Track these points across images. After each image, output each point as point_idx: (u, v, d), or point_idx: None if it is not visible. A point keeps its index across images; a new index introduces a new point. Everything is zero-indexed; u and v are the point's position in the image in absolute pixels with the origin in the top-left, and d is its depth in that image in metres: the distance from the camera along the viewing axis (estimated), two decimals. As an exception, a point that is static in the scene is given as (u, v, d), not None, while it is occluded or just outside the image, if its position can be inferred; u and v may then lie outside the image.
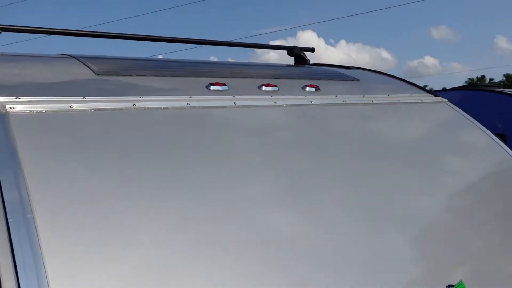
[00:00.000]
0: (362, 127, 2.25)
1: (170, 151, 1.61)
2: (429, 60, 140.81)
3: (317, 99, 2.26)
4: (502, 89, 5.00)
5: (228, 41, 3.77)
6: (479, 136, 2.57)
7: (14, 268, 1.06)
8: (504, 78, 56.21)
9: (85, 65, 2.03)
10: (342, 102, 2.34)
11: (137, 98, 1.76)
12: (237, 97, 2.02)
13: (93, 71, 1.94)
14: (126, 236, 1.27)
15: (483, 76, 57.59)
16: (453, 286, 1.63)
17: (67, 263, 1.15)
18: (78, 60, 2.14)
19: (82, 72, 1.93)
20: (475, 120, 2.71)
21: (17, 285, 1.03)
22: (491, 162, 2.45)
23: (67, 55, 2.32)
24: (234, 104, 1.96)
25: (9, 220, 1.12)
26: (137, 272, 1.22)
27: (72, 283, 1.12)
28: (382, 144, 2.18)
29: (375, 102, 2.47)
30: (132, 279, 1.20)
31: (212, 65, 2.78)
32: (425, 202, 1.97)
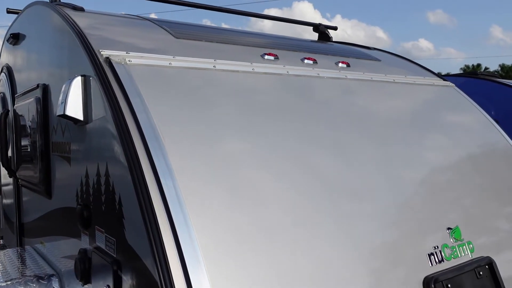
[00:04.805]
0: (387, 102, 2.69)
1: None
2: (424, 43, 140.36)
3: (350, 75, 2.69)
4: (499, 79, 5.46)
5: (252, 12, 4.11)
6: (479, 118, 3.04)
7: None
8: (500, 68, 56.73)
9: (163, 29, 2.44)
10: (370, 78, 2.76)
11: (213, 61, 2.17)
12: (287, 67, 2.44)
13: (172, 35, 2.35)
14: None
15: (479, 65, 58.07)
16: (451, 229, 2.12)
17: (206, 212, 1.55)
18: (154, 23, 2.55)
19: (165, 37, 2.34)
20: (476, 104, 3.18)
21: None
22: (488, 140, 2.92)
23: (141, 17, 2.72)
24: (287, 73, 2.38)
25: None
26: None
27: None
28: (403, 117, 2.63)
29: (396, 81, 2.90)
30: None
31: (262, 37, 3.18)
32: (436, 165, 2.44)
